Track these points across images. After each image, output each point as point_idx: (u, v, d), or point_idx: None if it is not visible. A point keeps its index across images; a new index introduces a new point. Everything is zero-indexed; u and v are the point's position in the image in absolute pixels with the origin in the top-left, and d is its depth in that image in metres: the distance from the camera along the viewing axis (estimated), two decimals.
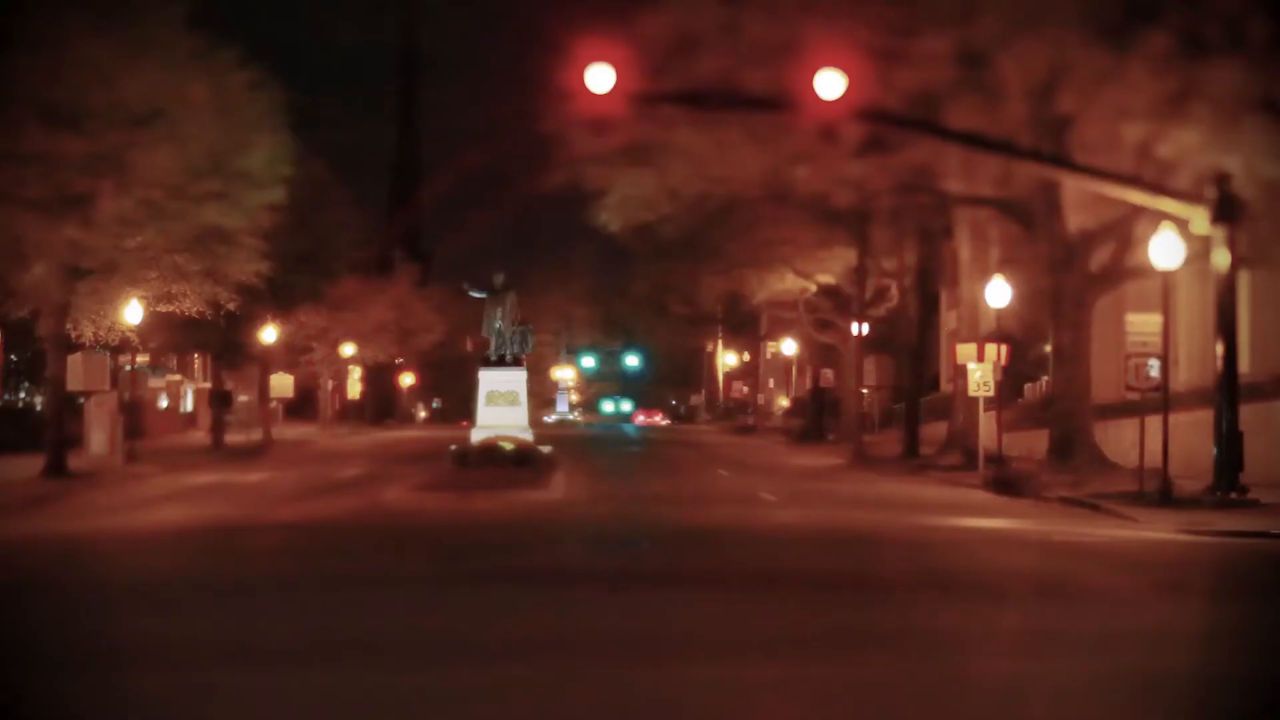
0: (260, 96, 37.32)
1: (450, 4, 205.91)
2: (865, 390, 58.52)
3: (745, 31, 28.09)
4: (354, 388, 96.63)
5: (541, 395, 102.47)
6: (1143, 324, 28.77)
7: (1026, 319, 43.14)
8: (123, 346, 42.76)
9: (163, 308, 41.20)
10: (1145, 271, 30.32)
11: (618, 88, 25.12)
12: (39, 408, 51.81)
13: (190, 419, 73.95)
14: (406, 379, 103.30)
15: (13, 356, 54.82)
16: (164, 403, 72.34)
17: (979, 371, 36.23)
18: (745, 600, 14.89)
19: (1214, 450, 26.15)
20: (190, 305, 41.05)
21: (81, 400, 43.56)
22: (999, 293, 37.07)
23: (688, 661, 11.50)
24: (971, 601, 14.94)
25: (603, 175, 35.11)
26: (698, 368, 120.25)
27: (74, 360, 38.94)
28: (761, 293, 57.79)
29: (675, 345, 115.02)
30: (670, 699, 10.27)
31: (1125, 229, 32.06)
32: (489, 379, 40.60)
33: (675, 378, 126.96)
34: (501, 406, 40.14)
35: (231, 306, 43.32)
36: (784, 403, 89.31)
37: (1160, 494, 26.30)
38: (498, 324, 40.84)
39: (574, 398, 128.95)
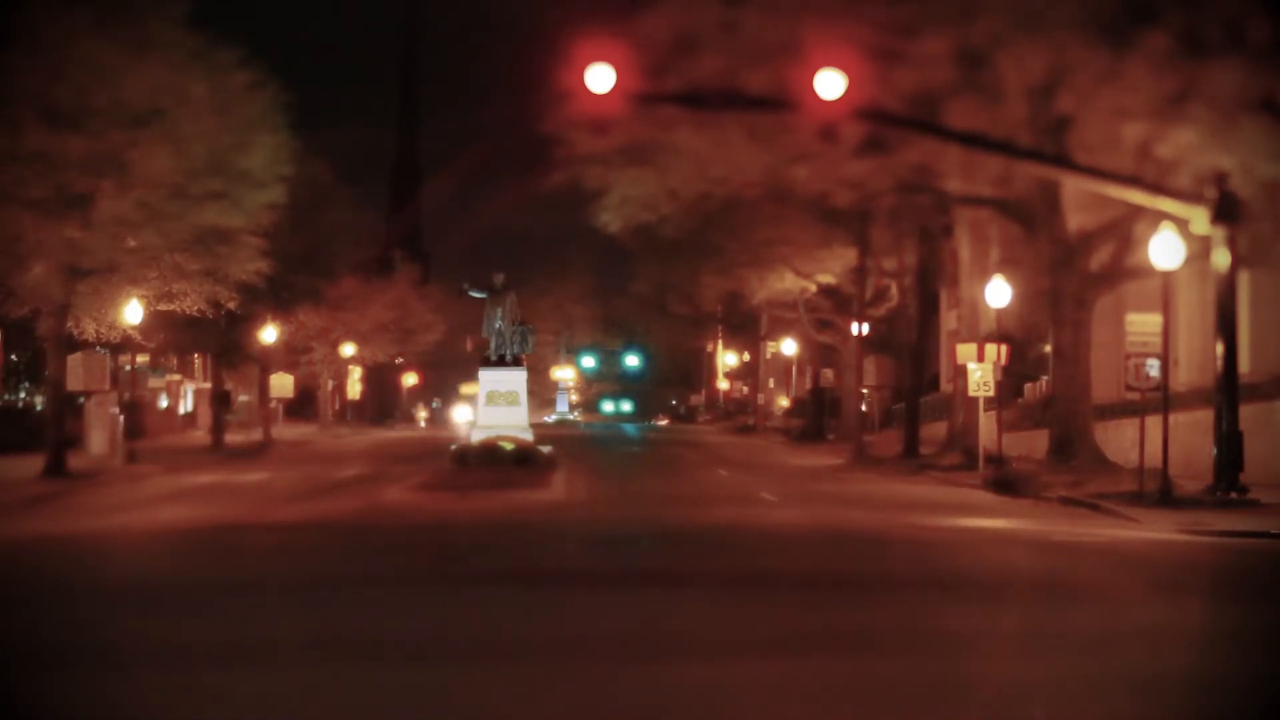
0: (260, 96, 37.32)
1: (451, 4, 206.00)
2: (865, 390, 58.51)
3: (745, 31, 28.05)
4: (354, 388, 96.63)
5: (541, 395, 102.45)
6: (1143, 324, 28.79)
7: (1026, 319, 43.15)
8: (123, 346, 42.79)
9: (163, 307, 41.23)
10: (1145, 271, 30.32)
11: (618, 88, 25.13)
12: (39, 408, 51.82)
13: (190, 419, 73.96)
14: (408, 379, 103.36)
15: (13, 356, 54.81)
16: (164, 403, 72.36)
17: (979, 371, 36.23)
18: (745, 600, 14.89)
19: (1214, 450, 26.17)
20: (190, 305, 41.09)
21: (81, 400, 43.60)
22: (999, 293, 37.07)
23: (688, 661, 11.50)
24: (971, 601, 14.94)
25: (603, 175, 35.01)
26: (698, 368, 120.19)
27: (74, 360, 38.95)
28: (761, 293, 57.73)
29: (675, 345, 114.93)
30: (670, 698, 10.27)
31: (1125, 229, 32.06)
32: (489, 379, 40.61)
33: (675, 378, 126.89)
34: (501, 406, 40.13)
35: (231, 306, 43.35)
36: (784, 403, 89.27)
37: (1160, 494, 26.30)
38: (498, 324, 40.86)
39: (574, 398, 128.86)
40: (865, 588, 15.93)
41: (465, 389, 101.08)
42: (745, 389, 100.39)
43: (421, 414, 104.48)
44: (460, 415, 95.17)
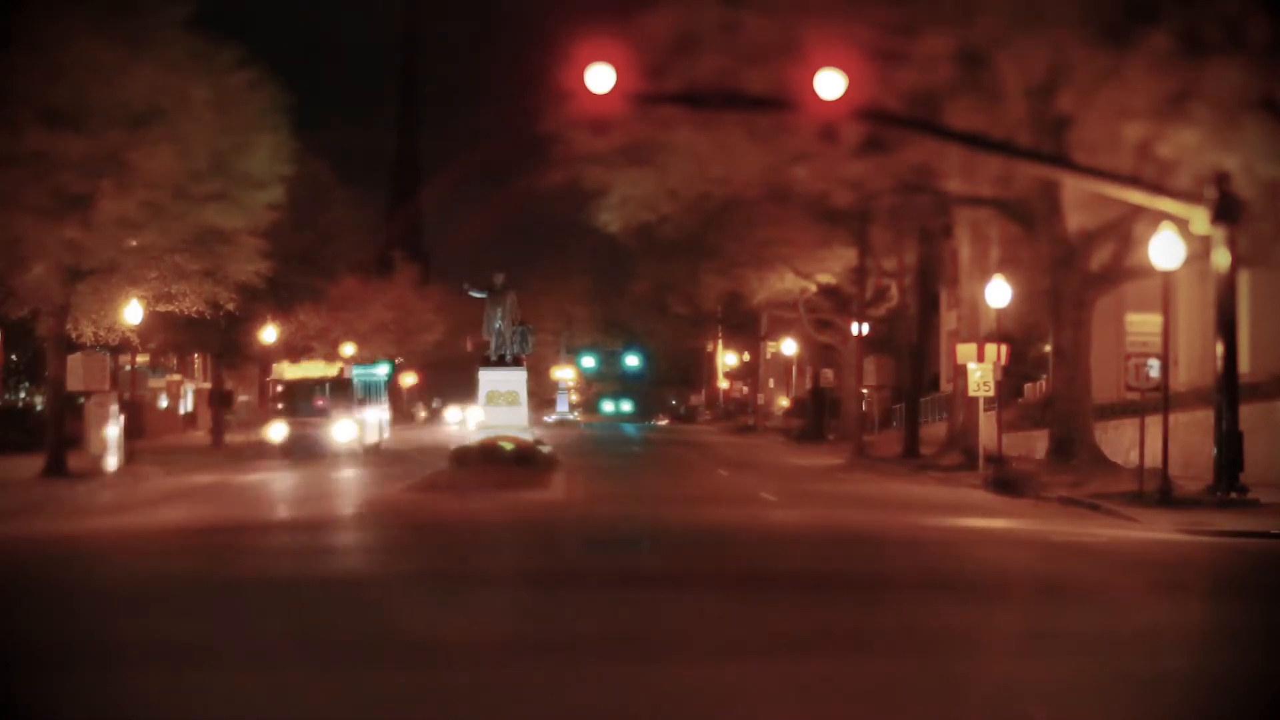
0: (260, 96, 37.33)
1: (451, 4, 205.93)
2: (865, 390, 58.52)
3: (745, 31, 28.05)
4: None
5: (541, 395, 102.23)
6: (1143, 324, 28.77)
7: (1026, 319, 43.09)
8: (123, 346, 42.80)
9: (163, 308, 41.28)
10: (1145, 271, 30.31)
11: (618, 88, 25.11)
12: (39, 408, 51.82)
13: (190, 419, 73.93)
14: (407, 379, 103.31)
15: (13, 356, 54.84)
16: (164, 403, 72.36)
17: (979, 371, 36.23)
18: (746, 600, 14.89)
19: (1214, 450, 26.15)
20: (190, 305, 41.14)
21: (81, 400, 43.59)
22: (999, 293, 37.05)
23: (689, 661, 11.50)
24: (971, 601, 14.94)
25: (603, 175, 35.03)
26: (698, 368, 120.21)
27: (74, 360, 38.95)
28: (761, 293, 57.79)
29: (675, 345, 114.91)
30: (671, 699, 10.27)
31: (1125, 229, 32.03)
32: (489, 379, 40.56)
33: (675, 378, 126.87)
34: (501, 406, 40.10)
35: (231, 306, 43.39)
36: (784, 403, 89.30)
37: (1160, 494, 26.29)
38: (498, 324, 40.78)
39: (574, 398, 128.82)
40: (866, 587, 15.92)
41: (284, 371, 53.28)
42: (745, 389, 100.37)
43: (421, 413, 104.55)
44: (342, 430, 51.16)
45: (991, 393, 36.41)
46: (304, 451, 46.67)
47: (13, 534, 23.67)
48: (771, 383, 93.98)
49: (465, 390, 49.97)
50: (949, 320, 56.68)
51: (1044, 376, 44.60)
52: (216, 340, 56.22)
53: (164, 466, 41.10)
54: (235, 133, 36.46)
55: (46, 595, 15.54)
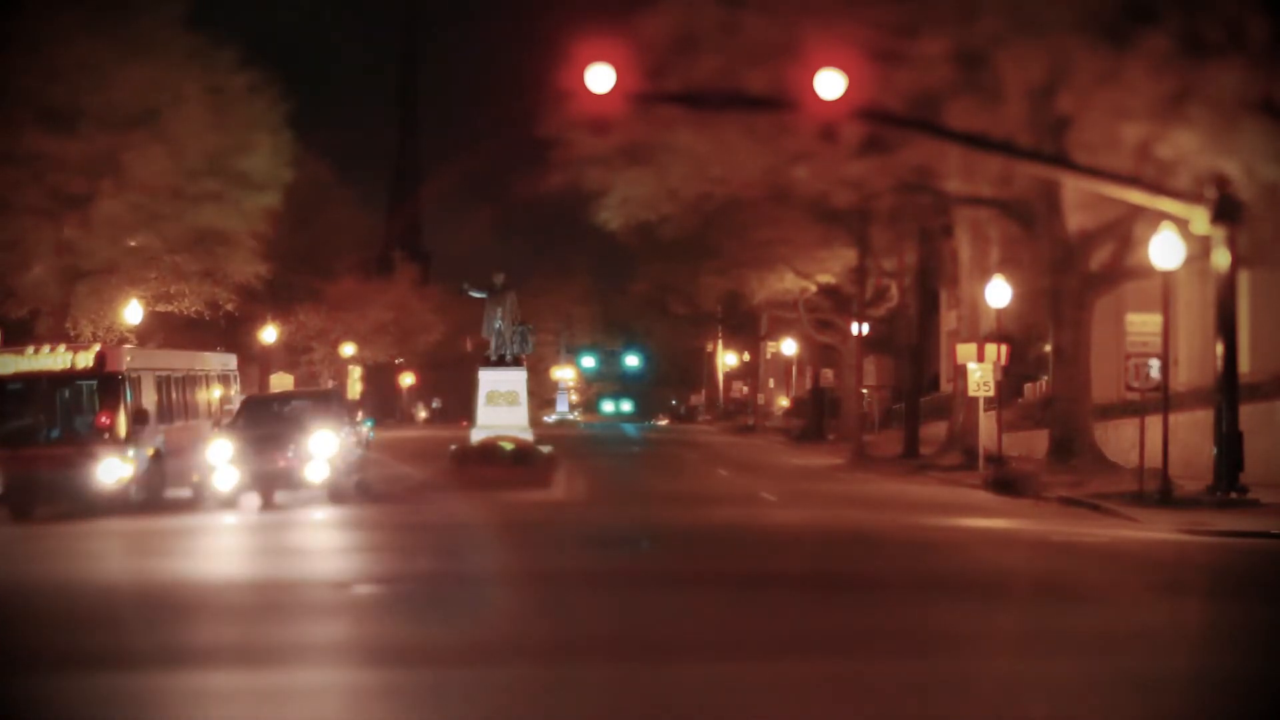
0: (260, 97, 37.34)
1: (451, 4, 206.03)
2: (865, 390, 58.51)
3: (745, 31, 28.07)
4: (354, 388, 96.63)
5: (541, 395, 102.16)
6: (1143, 324, 28.77)
7: (1026, 319, 43.12)
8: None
9: (162, 308, 41.29)
10: (1145, 271, 30.32)
11: (618, 88, 25.11)
12: None
13: None
14: (406, 379, 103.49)
15: None
16: None
17: (979, 371, 36.23)
18: (746, 600, 14.89)
19: (1214, 450, 26.15)
20: (189, 305, 41.15)
21: None
22: (999, 293, 37.06)
23: (689, 661, 11.50)
24: (971, 601, 14.94)
25: (603, 175, 35.07)
26: (698, 368, 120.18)
27: None
28: (761, 293, 57.81)
29: (675, 345, 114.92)
30: (671, 699, 10.27)
31: (1125, 229, 32.06)
32: (489, 379, 40.54)
33: (675, 378, 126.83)
34: (501, 406, 40.05)
35: (230, 307, 43.41)
36: (784, 403, 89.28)
37: (1160, 494, 26.30)
38: (498, 324, 40.75)
39: (574, 398, 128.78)
40: (867, 588, 15.93)
41: None
42: (745, 389, 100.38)
43: (421, 414, 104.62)
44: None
45: (991, 393, 36.42)
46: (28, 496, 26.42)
47: (8, 534, 23.66)
48: (771, 383, 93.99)
49: (465, 390, 49.97)
50: (949, 320, 56.67)
51: (1044, 376, 44.59)
52: (216, 340, 56.21)
53: None
54: (233, 133, 36.49)
55: (48, 594, 15.58)
